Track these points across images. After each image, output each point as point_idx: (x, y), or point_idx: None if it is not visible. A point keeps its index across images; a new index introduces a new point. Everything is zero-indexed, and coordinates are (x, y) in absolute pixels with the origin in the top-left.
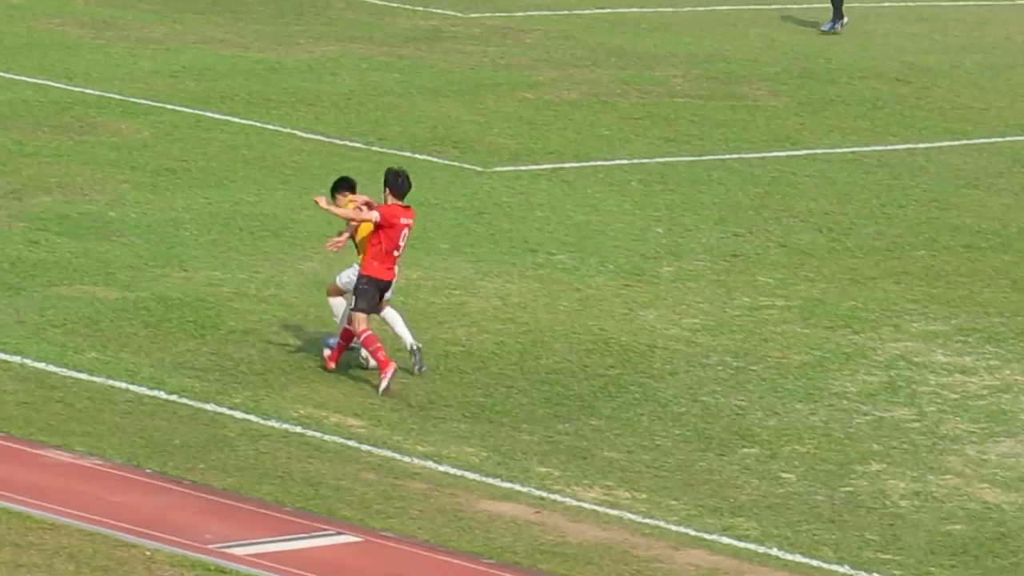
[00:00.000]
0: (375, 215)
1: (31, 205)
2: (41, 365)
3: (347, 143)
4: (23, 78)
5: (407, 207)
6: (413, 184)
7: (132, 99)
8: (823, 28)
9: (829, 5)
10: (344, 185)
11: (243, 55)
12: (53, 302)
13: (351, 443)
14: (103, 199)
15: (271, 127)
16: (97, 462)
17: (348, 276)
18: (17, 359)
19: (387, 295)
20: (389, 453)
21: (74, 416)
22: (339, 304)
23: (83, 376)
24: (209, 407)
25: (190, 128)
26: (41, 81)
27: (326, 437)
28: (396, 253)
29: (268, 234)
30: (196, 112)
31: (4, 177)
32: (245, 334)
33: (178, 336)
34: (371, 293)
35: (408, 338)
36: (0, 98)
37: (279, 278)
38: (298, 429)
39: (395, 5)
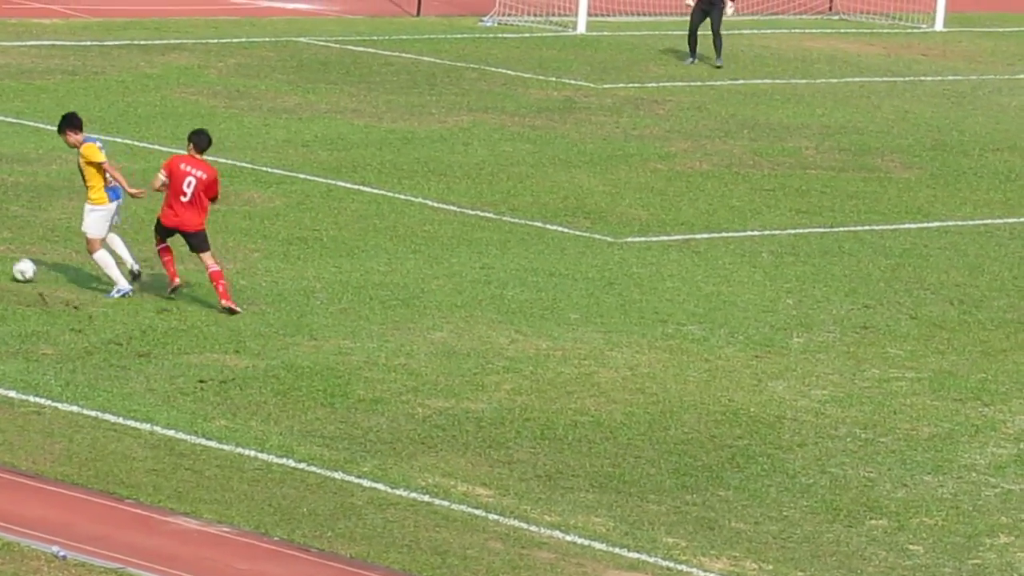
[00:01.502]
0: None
1: (161, 274)
2: (171, 432)
3: (478, 213)
4: (157, 147)
5: (194, 158)
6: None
7: (264, 168)
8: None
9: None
10: (70, 123)
11: (376, 125)
12: (183, 370)
13: (478, 512)
14: (235, 267)
15: (402, 196)
16: (225, 530)
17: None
18: (147, 426)
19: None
20: (516, 522)
21: (203, 483)
22: (103, 256)
23: (212, 444)
24: (337, 475)
25: (322, 197)
26: (174, 150)
27: (453, 506)
28: (182, 199)
29: (398, 303)
30: (328, 181)
31: (137, 246)
32: (374, 403)
33: (307, 404)
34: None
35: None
36: (134, 167)
37: (408, 347)
38: (426, 498)
39: (528, 76)
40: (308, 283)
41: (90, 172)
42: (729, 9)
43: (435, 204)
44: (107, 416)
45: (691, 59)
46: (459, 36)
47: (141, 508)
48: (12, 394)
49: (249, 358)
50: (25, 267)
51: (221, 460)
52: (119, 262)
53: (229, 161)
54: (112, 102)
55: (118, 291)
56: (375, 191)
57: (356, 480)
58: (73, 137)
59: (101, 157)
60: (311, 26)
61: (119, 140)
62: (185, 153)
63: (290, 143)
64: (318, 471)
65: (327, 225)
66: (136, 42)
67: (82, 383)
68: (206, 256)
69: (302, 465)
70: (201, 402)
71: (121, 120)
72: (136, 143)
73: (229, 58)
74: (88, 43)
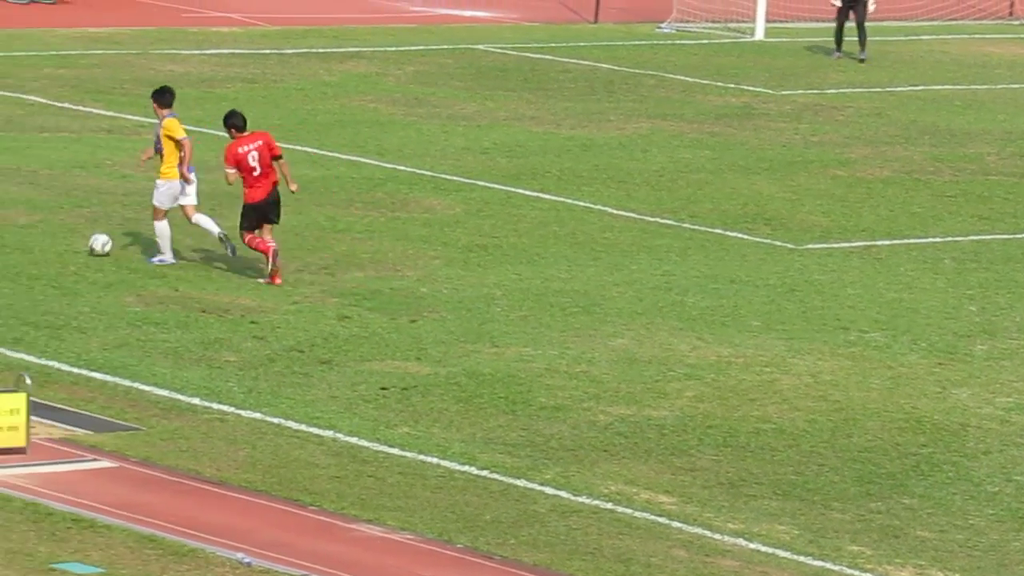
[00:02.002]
0: (231, 171)
1: (344, 281)
2: (353, 440)
3: (658, 220)
4: (336, 155)
5: (246, 135)
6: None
7: (443, 176)
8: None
9: None
10: (157, 96)
11: (554, 132)
12: (365, 377)
13: (661, 520)
14: (415, 275)
15: (582, 204)
16: (408, 537)
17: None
18: (330, 433)
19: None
20: (699, 530)
21: (386, 491)
22: (163, 227)
23: (395, 451)
24: (520, 483)
25: (501, 204)
26: (354, 158)
27: (636, 513)
28: (255, 174)
29: (579, 310)
30: (507, 189)
31: (318, 253)
32: (556, 410)
33: (489, 412)
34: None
35: (216, 229)
36: (313, 175)
37: (589, 354)
38: (608, 505)
39: (706, 82)
40: (488, 290)
41: (168, 146)
42: (872, 5)
43: (615, 211)
44: (290, 423)
45: (837, 53)
46: (637, 43)
47: (324, 515)
48: (196, 401)
49: (431, 365)
50: (97, 241)
51: (403, 467)
52: (206, 233)
53: (408, 169)
54: (291, 110)
55: (160, 259)
56: (554, 198)
57: (539, 487)
58: (159, 111)
59: (181, 133)
60: (489, 33)
61: (299, 148)
62: (232, 140)
63: (469, 150)
64: (501, 478)
65: (507, 232)
66: (315, 50)
67: (265, 390)
68: (268, 230)
69: (484, 472)
70: (383, 409)
71: (300, 128)
72: (316, 151)
73: (407, 66)
74: (267, 51)
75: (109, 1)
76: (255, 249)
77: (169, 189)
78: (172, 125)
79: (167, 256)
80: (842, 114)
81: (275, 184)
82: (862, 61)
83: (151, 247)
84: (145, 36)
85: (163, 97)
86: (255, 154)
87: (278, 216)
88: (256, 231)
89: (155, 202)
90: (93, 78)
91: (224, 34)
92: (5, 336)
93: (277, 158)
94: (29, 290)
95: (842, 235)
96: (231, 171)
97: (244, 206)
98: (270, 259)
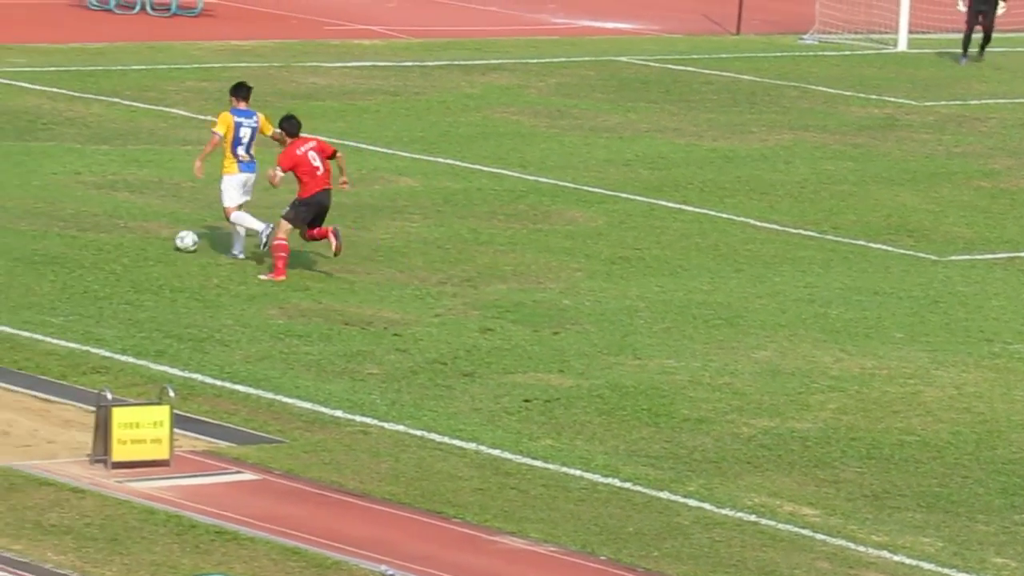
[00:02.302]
0: (280, 172)
1: (486, 293)
2: (496, 452)
3: (800, 231)
4: (478, 167)
5: (300, 138)
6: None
7: (586, 187)
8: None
9: None
10: (241, 92)
11: (697, 144)
12: (508, 389)
13: (805, 532)
14: (557, 287)
15: (724, 215)
16: (551, 549)
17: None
18: (472, 446)
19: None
20: (843, 542)
21: (529, 503)
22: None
23: (538, 463)
24: (663, 495)
25: (643, 216)
26: (496, 170)
27: (780, 526)
28: (318, 174)
29: (721, 322)
30: (650, 200)
31: (460, 265)
32: (699, 422)
33: (632, 424)
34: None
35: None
36: (456, 187)
37: (732, 366)
38: (752, 517)
39: (849, 94)
40: (631, 302)
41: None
42: (1001, 8)
43: (757, 223)
44: (432, 435)
45: (963, 59)
46: (779, 54)
47: (467, 527)
48: (339, 414)
49: (573, 377)
50: (186, 239)
51: (547, 479)
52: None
53: (551, 181)
54: (433, 122)
55: (265, 233)
56: (697, 210)
57: (682, 499)
58: (240, 103)
59: (221, 129)
60: (630, 45)
61: (440, 160)
62: (289, 143)
63: (611, 162)
64: (644, 490)
65: (649, 244)
66: (457, 62)
67: (407, 403)
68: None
69: (627, 484)
70: (526, 421)
71: (443, 140)
72: (458, 163)
73: (549, 77)
74: (409, 64)
75: (252, 14)
76: (315, 239)
77: (231, 184)
78: (220, 118)
79: (237, 250)
80: (985, 125)
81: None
82: (979, 61)
83: (294, 258)
84: (288, 49)
85: (237, 90)
86: (314, 153)
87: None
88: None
89: (221, 201)
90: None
91: (366, 47)
92: (148, 349)
93: (333, 156)
94: (172, 303)
95: (986, 247)
96: (281, 174)
97: (299, 201)
98: (333, 237)
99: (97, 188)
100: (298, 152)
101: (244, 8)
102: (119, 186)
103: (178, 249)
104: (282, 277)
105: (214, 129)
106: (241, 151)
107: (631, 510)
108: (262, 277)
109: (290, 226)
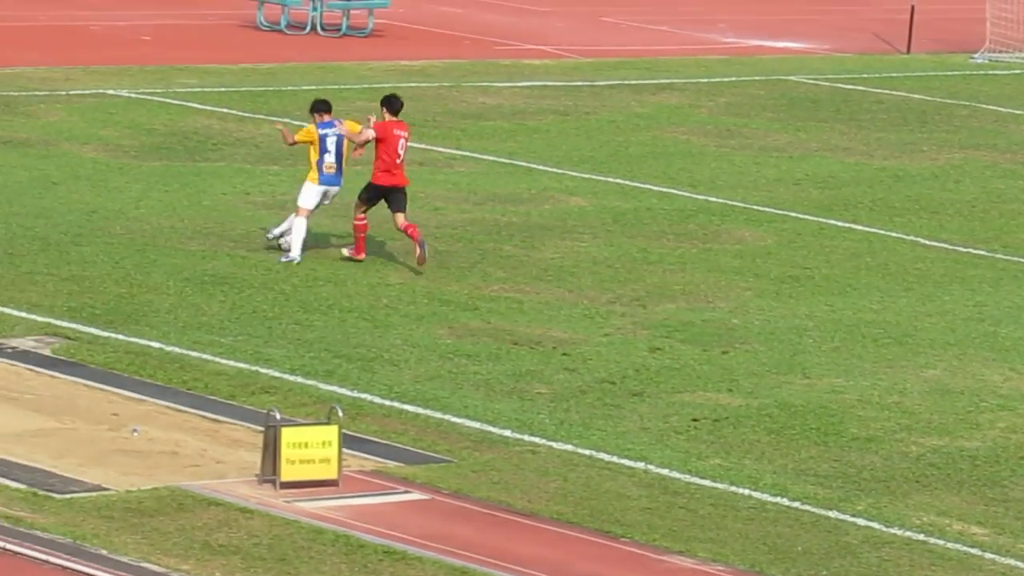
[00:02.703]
0: (371, 133)
1: (655, 312)
2: (664, 471)
3: (970, 250)
4: (648, 186)
5: (400, 121)
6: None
7: (755, 207)
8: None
9: None
10: (319, 106)
11: (867, 163)
12: (677, 408)
13: (974, 551)
14: (726, 306)
15: (894, 234)
16: (720, 568)
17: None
18: (641, 465)
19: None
20: (1013, 562)
21: (697, 522)
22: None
23: (706, 482)
24: (831, 514)
25: (813, 236)
26: (665, 189)
27: (949, 545)
28: (398, 161)
29: (891, 341)
30: (819, 219)
31: (629, 285)
32: (868, 441)
33: (800, 443)
34: (373, 196)
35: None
36: (626, 206)
37: (902, 385)
38: (920, 536)
39: (1019, 113)
40: (800, 321)
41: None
42: None
43: (926, 242)
44: (601, 455)
45: None
46: (949, 73)
47: (635, 547)
48: (507, 433)
49: (742, 396)
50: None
51: (715, 499)
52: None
53: (720, 200)
54: (603, 142)
55: (287, 258)
56: (866, 229)
57: (850, 519)
58: (323, 117)
59: (299, 137)
60: (800, 64)
61: (611, 180)
62: (390, 119)
63: (781, 181)
64: (812, 509)
65: (819, 263)
66: (627, 82)
67: (576, 422)
68: (402, 215)
69: (796, 504)
70: (694, 440)
71: (612, 160)
72: (628, 183)
73: (719, 97)
74: (579, 83)
75: (422, 34)
76: (358, 233)
77: (311, 190)
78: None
79: (295, 254)
80: None
81: (407, 180)
82: None
83: (463, 278)
84: (457, 68)
85: (316, 106)
86: (404, 142)
87: (403, 203)
88: (365, 211)
89: (300, 203)
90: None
91: (536, 66)
92: (318, 369)
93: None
94: (341, 323)
95: None
96: (370, 133)
97: (370, 185)
98: (419, 246)
99: (267, 208)
100: (395, 131)
101: (414, 28)
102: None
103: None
104: (362, 255)
105: (295, 135)
106: (329, 159)
107: (799, 529)
108: (345, 252)
109: (363, 213)
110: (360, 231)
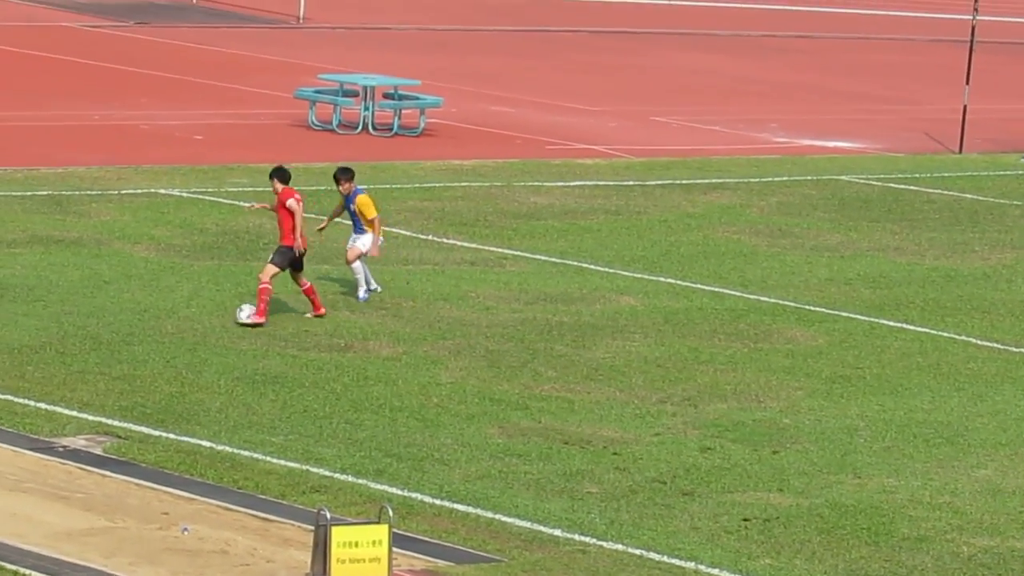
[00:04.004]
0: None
1: (706, 412)
2: (715, 571)
3: (1022, 350)
4: (699, 286)
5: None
6: None
7: (807, 306)
8: None
9: None
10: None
11: (918, 263)
12: (727, 508)
13: None
14: (777, 406)
15: (945, 334)
16: None
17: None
18: (692, 565)
19: None
20: None
21: None
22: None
23: None
24: None
25: (864, 335)
26: (717, 289)
27: None
28: None
29: (942, 441)
30: (871, 319)
31: (680, 384)
32: (919, 541)
33: (851, 543)
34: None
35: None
36: (677, 306)
37: (953, 485)
38: None
39: None
40: (851, 421)
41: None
42: None
43: (978, 341)
44: (651, 554)
45: None
46: (1002, 173)
47: None
48: (557, 532)
49: (792, 496)
50: (243, 311)
51: None
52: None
53: (771, 299)
54: (654, 241)
55: (365, 293)
56: (918, 329)
57: None
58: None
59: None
60: (852, 164)
61: (662, 279)
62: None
63: (832, 281)
64: None
65: (870, 363)
66: (678, 181)
67: (626, 521)
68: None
69: None
70: (745, 540)
71: (663, 259)
72: (679, 282)
73: (771, 196)
74: (630, 183)
75: (474, 133)
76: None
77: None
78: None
79: (362, 293)
80: None
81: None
82: None
83: (514, 377)
84: (509, 168)
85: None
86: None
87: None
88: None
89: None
90: (457, 210)
91: (587, 166)
92: (368, 468)
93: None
94: (392, 422)
95: None
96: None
97: (291, 257)
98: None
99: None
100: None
101: (466, 128)
102: (339, 305)
103: (237, 322)
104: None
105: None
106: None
107: None
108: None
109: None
110: (267, 295)
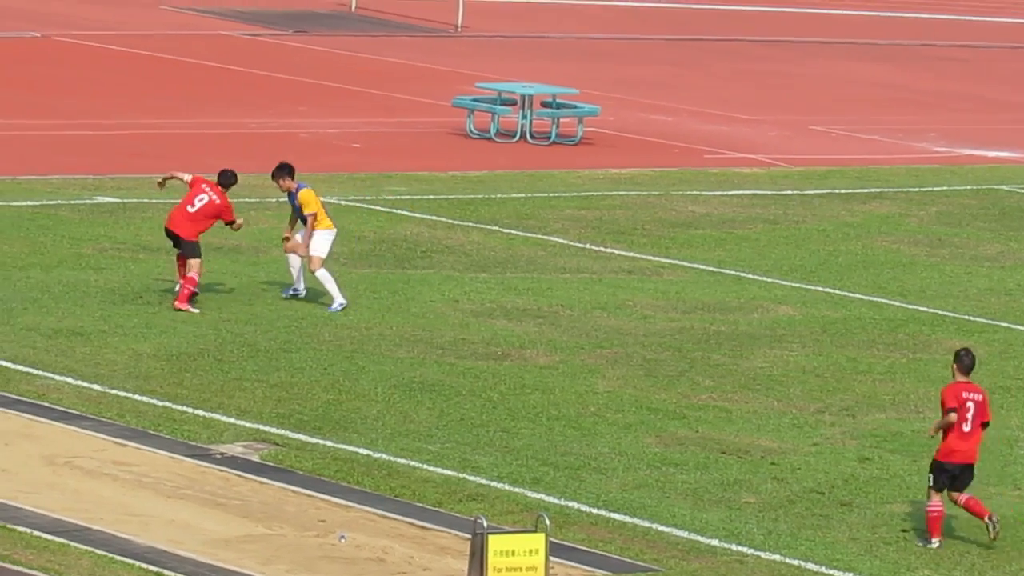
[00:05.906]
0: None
1: (864, 422)
2: None
3: None
4: (857, 296)
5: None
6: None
7: (966, 316)
8: None
9: None
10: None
11: None
12: (886, 519)
13: None
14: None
15: None
16: None
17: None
18: None
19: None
20: None
21: None
22: (323, 274)
23: None
24: None
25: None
26: (875, 299)
27: None
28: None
29: None
30: None
31: (838, 394)
32: None
33: (1011, 555)
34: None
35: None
36: (835, 315)
37: None
38: None
39: None
40: (1011, 432)
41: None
42: None
43: None
44: (809, 565)
45: None
46: None
47: None
48: (714, 542)
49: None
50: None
51: None
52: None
53: (930, 310)
54: (812, 251)
55: (339, 305)
56: None
57: None
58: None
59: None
60: (1012, 174)
61: (819, 289)
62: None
63: (992, 291)
64: None
65: None
66: (837, 191)
67: (784, 532)
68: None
69: None
70: (904, 552)
71: (821, 269)
72: (837, 292)
73: (930, 206)
74: (788, 192)
75: (632, 142)
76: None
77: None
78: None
79: (340, 300)
80: None
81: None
82: None
83: (671, 387)
84: (667, 177)
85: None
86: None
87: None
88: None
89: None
90: (614, 219)
91: (746, 175)
92: (525, 476)
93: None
94: (549, 431)
95: None
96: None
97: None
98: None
99: (475, 316)
100: (202, 186)
101: (624, 136)
102: (497, 314)
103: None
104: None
105: (311, 211)
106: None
107: None
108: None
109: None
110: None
